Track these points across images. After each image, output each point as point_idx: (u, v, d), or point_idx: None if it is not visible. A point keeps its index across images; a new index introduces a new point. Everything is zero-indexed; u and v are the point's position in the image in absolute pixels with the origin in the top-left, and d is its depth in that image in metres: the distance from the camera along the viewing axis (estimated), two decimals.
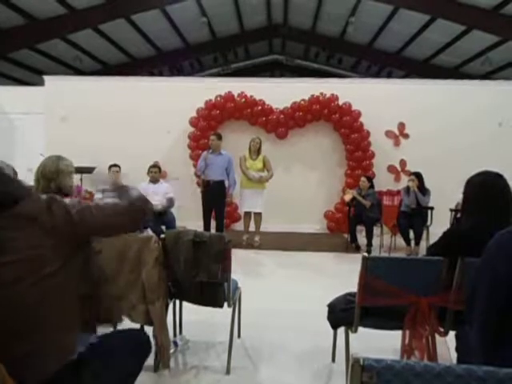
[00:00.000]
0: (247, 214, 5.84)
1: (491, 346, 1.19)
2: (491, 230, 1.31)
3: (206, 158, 5.41)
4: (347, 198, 5.91)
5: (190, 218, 6.00)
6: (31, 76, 10.40)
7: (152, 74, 11.68)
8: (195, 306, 2.42)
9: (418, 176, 5.49)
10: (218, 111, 7.00)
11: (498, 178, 1.85)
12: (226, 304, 2.33)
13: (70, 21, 8.58)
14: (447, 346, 1.99)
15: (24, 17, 8.27)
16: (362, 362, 0.82)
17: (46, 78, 7.51)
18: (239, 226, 6.45)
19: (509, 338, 1.17)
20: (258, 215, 5.76)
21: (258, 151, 5.73)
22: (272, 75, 13.98)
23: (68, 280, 1.23)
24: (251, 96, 7.02)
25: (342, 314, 2.12)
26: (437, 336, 1.99)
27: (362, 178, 5.91)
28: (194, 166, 6.69)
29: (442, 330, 1.97)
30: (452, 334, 1.97)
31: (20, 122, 7.47)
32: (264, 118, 7.04)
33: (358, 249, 5.66)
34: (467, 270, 1.80)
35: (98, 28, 9.19)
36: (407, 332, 1.99)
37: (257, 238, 5.76)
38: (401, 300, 1.91)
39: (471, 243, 1.66)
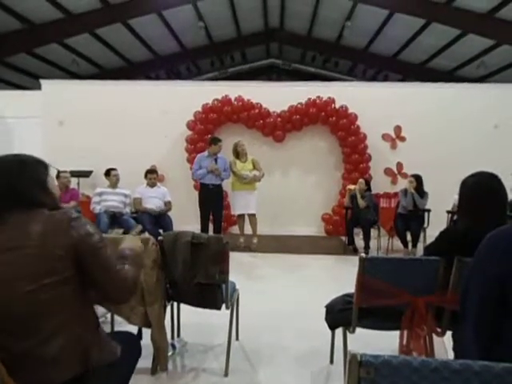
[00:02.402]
0: (241, 216, 5.85)
1: (486, 346, 1.19)
2: (486, 230, 1.32)
3: (202, 162, 5.47)
4: (351, 187, 6.01)
5: (187, 221, 6.00)
6: (28, 80, 10.40)
7: (149, 78, 11.70)
8: (193, 309, 2.42)
9: (418, 178, 5.50)
10: (215, 115, 7.02)
11: (492, 178, 1.86)
12: (224, 306, 2.33)
13: (67, 25, 8.60)
14: (445, 346, 1.99)
15: (21, 21, 8.29)
16: (359, 358, 0.82)
17: (42, 81, 7.50)
18: (236, 229, 6.45)
19: (503, 337, 1.17)
20: (253, 216, 5.76)
21: (246, 153, 5.77)
22: (269, 79, 14.03)
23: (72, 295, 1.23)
24: (248, 99, 7.05)
25: (340, 315, 2.12)
26: (434, 336, 2.00)
27: (360, 180, 5.93)
28: (191, 169, 6.69)
29: (439, 330, 1.98)
30: (449, 334, 1.98)
31: (17, 126, 7.46)
32: (261, 122, 7.06)
33: (355, 251, 5.67)
34: (464, 270, 1.81)
35: (94, 32, 9.22)
36: (405, 332, 2.00)
37: (254, 240, 5.76)
38: (398, 300, 1.92)
39: (467, 243, 1.66)
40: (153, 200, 5.44)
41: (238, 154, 5.73)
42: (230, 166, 5.64)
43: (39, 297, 1.15)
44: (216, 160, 5.48)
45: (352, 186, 6.03)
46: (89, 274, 1.26)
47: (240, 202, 5.66)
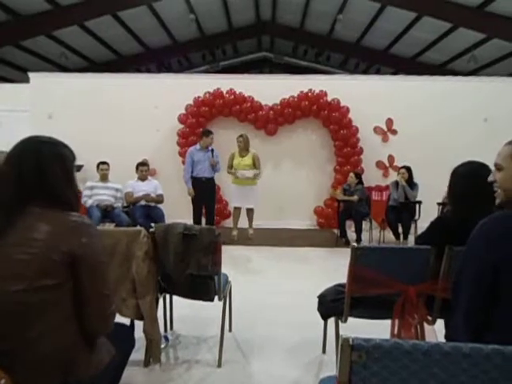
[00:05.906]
0: (237, 209, 5.83)
1: (477, 332, 1.20)
2: (477, 219, 1.32)
3: (195, 155, 5.50)
4: (334, 193, 6.10)
5: (179, 215, 5.95)
6: (15, 73, 10.21)
7: (139, 72, 11.55)
8: (186, 301, 2.41)
9: (408, 170, 5.57)
10: (206, 108, 6.98)
11: (482, 167, 1.88)
12: (216, 298, 2.32)
13: (55, 17, 8.45)
14: (435, 334, 2.02)
15: (8, 13, 8.12)
16: (351, 342, 0.82)
17: (30, 74, 7.38)
18: (229, 223, 6.44)
19: (494, 324, 1.19)
20: (251, 210, 5.77)
21: (247, 148, 5.69)
22: (261, 72, 13.97)
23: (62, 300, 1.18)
24: (240, 93, 7.01)
25: (332, 305, 2.13)
26: (425, 325, 2.02)
27: (351, 174, 5.97)
28: (183, 162, 6.65)
29: (429, 318, 2.00)
30: (440, 322, 2.00)
31: (5, 120, 7.33)
32: (253, 115, 7.04)
33: (347, 243, 5.69)
34: (454, 259, 1.82)
35: (83, 24, 9.07)
36: (396, 321, 2.01)
37: (251, 231, 5.79)
38: (390, 289, 1.93)
39: (458, 232, 1.68)
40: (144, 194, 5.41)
41: (239, 147, 5.65)
42: (229, 160, 5.62)
43: (28, 299, 1.11)
44: (212, 152, 5.45)
45: (337, 193, 6.08)
46: (78, 285, 1.19)
47: (239, 195, 5.64)
